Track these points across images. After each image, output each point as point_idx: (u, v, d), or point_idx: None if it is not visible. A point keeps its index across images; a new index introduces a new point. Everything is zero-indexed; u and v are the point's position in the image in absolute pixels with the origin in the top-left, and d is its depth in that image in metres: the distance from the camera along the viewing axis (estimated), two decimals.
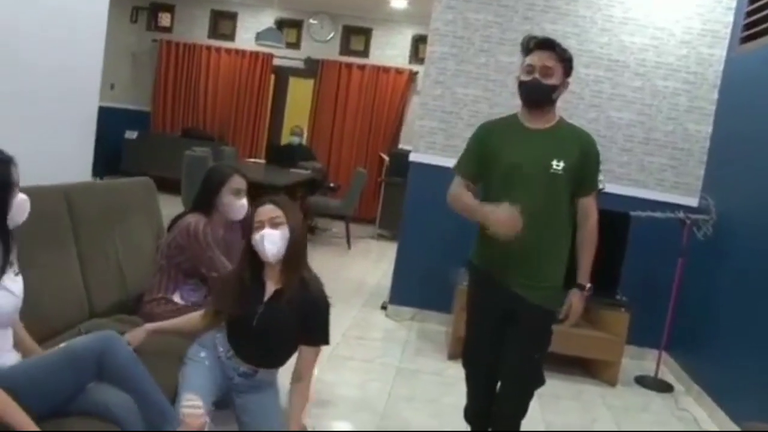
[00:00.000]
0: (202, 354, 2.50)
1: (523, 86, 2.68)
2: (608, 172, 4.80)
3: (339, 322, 4.89)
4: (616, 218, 4.40)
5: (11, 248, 2.06)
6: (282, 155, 8.64)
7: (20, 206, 2.08)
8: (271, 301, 2.45)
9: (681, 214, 4.46)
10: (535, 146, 2.67)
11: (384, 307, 5.34)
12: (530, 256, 2.66)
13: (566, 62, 2.65)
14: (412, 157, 5.15)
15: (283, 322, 2.44)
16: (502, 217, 2.48)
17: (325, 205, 8.29)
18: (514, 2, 4.97)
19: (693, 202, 4.83)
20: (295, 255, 2.44)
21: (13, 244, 2.07)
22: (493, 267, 2.76)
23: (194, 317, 2.57)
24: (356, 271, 6.81)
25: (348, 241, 7.96)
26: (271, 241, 2.38)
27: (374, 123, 10.00)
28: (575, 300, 2.76)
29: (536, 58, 2.62)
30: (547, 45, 2.63)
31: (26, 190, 2.10)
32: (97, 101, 3.63)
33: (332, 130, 10.13)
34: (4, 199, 2.01)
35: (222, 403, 2.54)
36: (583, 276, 2.75)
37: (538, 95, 2.65)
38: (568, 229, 2.74)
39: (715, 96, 4.86)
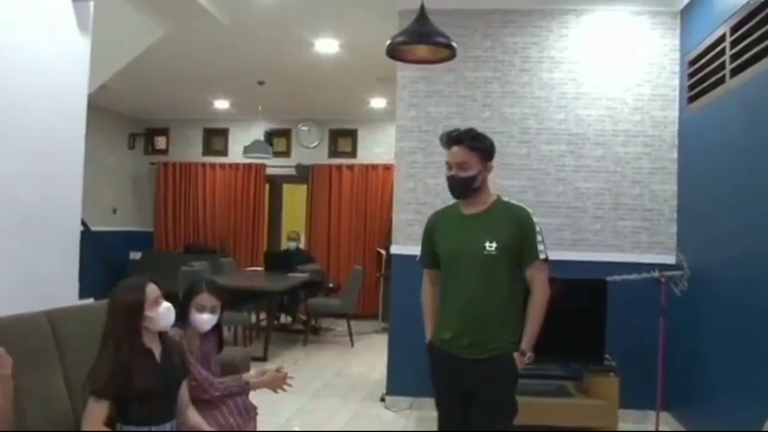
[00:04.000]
0: None
1: (447, 182, 2.91)
2: (583, 241, 4.95)
3: (338, 417, 4.95)
4: (593, 285, 4.51)
5: None
6: (279, 261, 8.84)
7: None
8: (164, 359, 2.72)
9: (656, 273, 4.55)
10: (469, 231, 2.88)
11: (382, 399, 5.38)
12: (476, 328, 2.83)
13: (480, 150, 2.84)
14: (393, 250, 5.32)
15: (178, 367, 2.80)
16: None
17: (326, 305, 8.46)
18: (472, 92, 5.25)
19: (671, 259, 4.93)
20: None
21: None
22: (446, 343, 2.90)
23: None
24: (359, 367, 6.86)
25: (351, 339, 8.04)
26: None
27: (368, 220, 10.25)
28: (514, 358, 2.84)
29: (451, 155, 2.86)
30: (456, 140, 2.85)
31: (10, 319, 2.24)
32: (79, 226, 3.80)
33: (328, 230, 10.37)
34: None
35: None
36: (526, 343, 2.83)
37: (459, 188, 2.89)
38: (513, 298, 2.87)
39: (675, 155, 5.06)
